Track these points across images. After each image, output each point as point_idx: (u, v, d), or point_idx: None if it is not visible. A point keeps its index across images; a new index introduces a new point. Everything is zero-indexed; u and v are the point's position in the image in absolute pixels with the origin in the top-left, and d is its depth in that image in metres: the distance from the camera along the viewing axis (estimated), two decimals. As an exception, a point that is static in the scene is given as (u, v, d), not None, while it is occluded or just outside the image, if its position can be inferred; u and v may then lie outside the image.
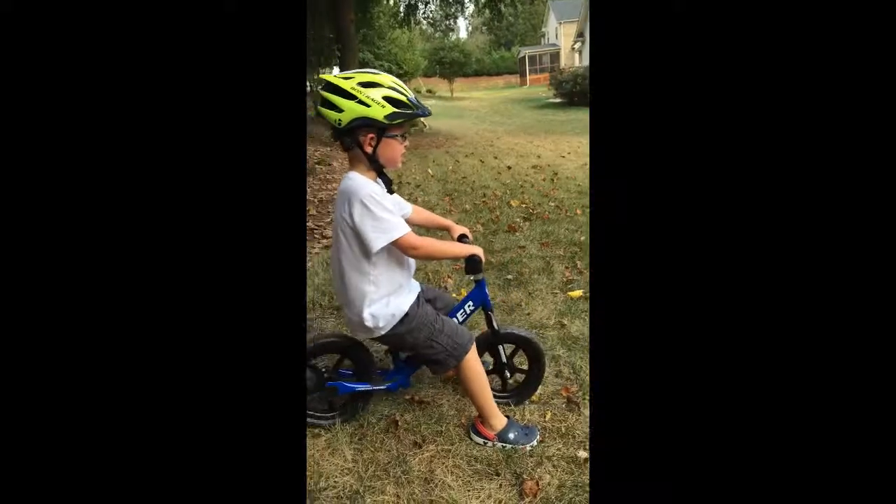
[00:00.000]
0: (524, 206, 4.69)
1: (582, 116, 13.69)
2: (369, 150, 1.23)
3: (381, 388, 1.55)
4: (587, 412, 1.67)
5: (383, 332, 1.34)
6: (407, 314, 1.34)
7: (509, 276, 2.96)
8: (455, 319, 1.49)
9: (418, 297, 1.41)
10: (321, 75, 10.32)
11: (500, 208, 4.63)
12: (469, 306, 1.52)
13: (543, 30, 39.89)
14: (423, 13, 14.42)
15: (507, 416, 1.49)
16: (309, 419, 1.54)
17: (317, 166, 6.52)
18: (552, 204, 4.73)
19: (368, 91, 1.17)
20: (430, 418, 1.67)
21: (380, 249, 1.23)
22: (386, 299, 1.32)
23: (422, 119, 9.17)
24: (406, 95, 1.22)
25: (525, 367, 1.67)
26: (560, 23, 31.78)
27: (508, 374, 1.60)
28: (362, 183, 1.23)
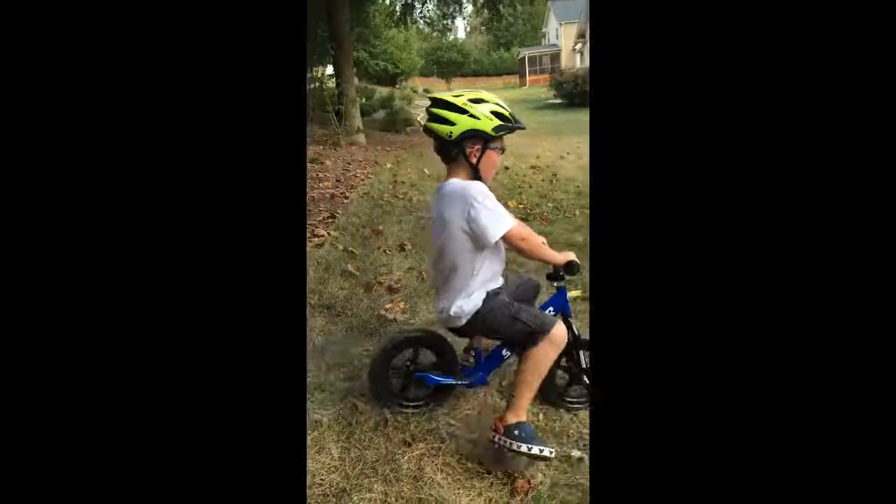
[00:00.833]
0: (522, 206, 4.69)
1: (582, 117, 13.75)
2: (474, 160, 1.36)
3: (464, 383, 1.58)
4: (583, 413, 1.68)
5: (465, 321, 1.42)
6: (484, 301, 1.41)
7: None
8: None
9: (498, 289, 1.49)
10: (315, 74, 10.34)
11: (496, 208, 4.63)
12: (550, 311, 1.55)
13: (544, 30, 40.11)
14: (420, 13, 14.47)
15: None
16: (398, 408, 1.61)
17: (309, 164, 6.52)
18: (550, 205, 4.74)
19: (478, 106, 1.31)
20: (420, 416, 1.67)
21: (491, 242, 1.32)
22: (478, 291, 1.41)
23: (418, 117, 9.21)
24: (507, 111, 1.37)
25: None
26: (561, 24, 31.95)
27: (587, 381, 1.60)
28: (469, 184, 1.34)
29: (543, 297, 1.81)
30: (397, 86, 23.48)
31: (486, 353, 1.58)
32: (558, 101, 18.19)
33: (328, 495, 1.40)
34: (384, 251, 3.45)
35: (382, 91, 17.53)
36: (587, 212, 4.45)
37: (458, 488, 1.40)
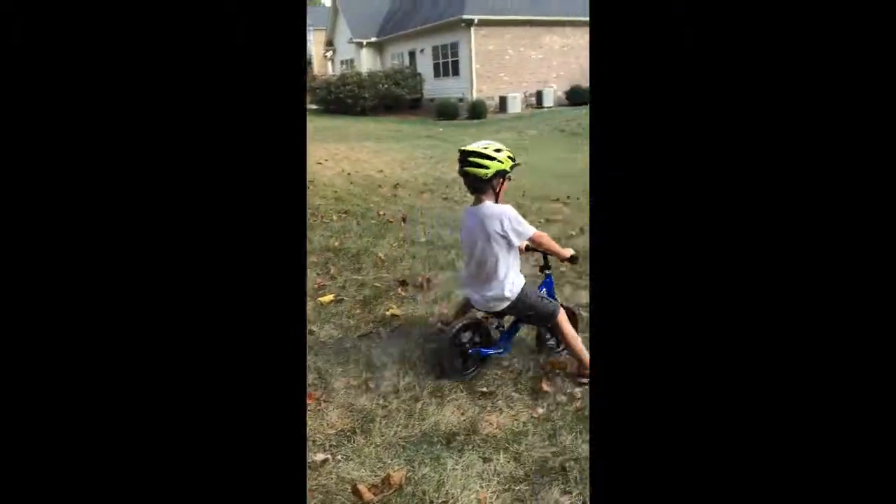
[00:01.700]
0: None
1: (339, 124, 13.97)
2: (498, 189, 1.99)
3: (499, 351, 2.13)
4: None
5: (513, 299, 1.99)
6: (524, 283, 2.05)
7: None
8: None
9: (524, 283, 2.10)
10: None
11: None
12: (544, 292, 2.15)
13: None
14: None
15: None
16: (455, 377, 2.04)
17: None
18: (309, 210, 4.69)
19: (499, 154, 1.94)
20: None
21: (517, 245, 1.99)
22: (515, 277, 2.02)
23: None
24: (512, 153, 2.00)
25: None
26: (311, 30, 31.90)
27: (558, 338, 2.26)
28: (503, 206, 1.96)
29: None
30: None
31: (500, 327, 2.17)
32: (313, 107, 18.14)
33: None
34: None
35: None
36: (345, 216, 4.55)
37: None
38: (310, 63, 31.04)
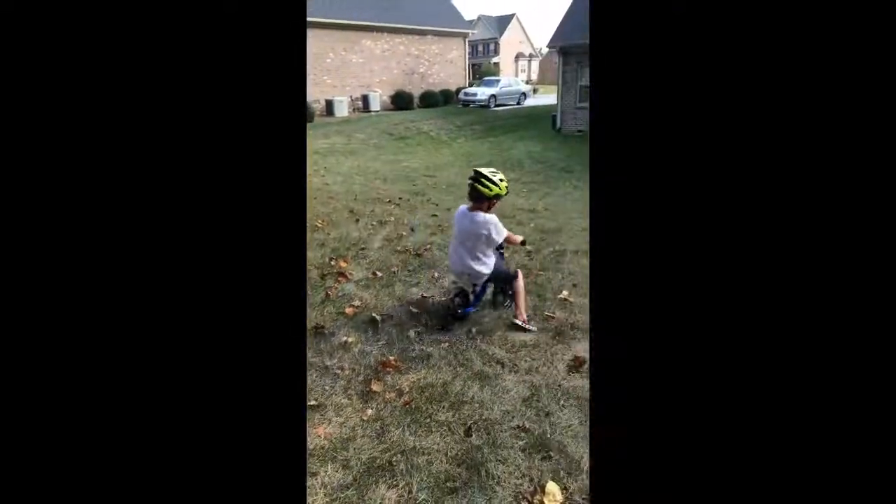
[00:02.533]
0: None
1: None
2: (490, 207, 2.66)
3: (473, 309, 2.86)
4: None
5: (485, 276, 2.74)
6: (496, 262, 2.78)
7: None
8: None
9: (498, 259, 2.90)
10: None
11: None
12: (500, 259, 2.96)
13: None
14: None
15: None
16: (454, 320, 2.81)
17: None
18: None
19: (502, 183, 2.61)
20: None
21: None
22: (490, 260, 2.74)
23: None
24: (508, 183, 2.70)
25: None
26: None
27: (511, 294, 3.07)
28: (490, 216, 2.61)
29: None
30: None
31: (474, 293, 2.93)
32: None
33: None
34: None
35: None
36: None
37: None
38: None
